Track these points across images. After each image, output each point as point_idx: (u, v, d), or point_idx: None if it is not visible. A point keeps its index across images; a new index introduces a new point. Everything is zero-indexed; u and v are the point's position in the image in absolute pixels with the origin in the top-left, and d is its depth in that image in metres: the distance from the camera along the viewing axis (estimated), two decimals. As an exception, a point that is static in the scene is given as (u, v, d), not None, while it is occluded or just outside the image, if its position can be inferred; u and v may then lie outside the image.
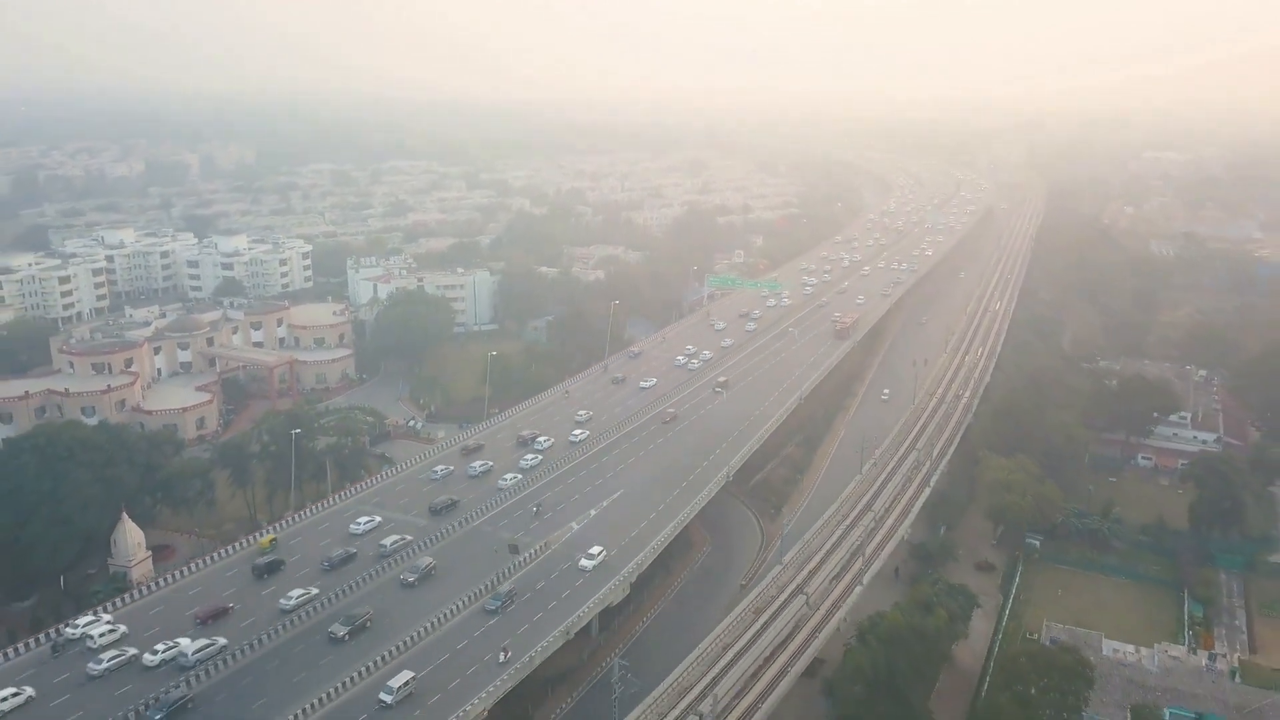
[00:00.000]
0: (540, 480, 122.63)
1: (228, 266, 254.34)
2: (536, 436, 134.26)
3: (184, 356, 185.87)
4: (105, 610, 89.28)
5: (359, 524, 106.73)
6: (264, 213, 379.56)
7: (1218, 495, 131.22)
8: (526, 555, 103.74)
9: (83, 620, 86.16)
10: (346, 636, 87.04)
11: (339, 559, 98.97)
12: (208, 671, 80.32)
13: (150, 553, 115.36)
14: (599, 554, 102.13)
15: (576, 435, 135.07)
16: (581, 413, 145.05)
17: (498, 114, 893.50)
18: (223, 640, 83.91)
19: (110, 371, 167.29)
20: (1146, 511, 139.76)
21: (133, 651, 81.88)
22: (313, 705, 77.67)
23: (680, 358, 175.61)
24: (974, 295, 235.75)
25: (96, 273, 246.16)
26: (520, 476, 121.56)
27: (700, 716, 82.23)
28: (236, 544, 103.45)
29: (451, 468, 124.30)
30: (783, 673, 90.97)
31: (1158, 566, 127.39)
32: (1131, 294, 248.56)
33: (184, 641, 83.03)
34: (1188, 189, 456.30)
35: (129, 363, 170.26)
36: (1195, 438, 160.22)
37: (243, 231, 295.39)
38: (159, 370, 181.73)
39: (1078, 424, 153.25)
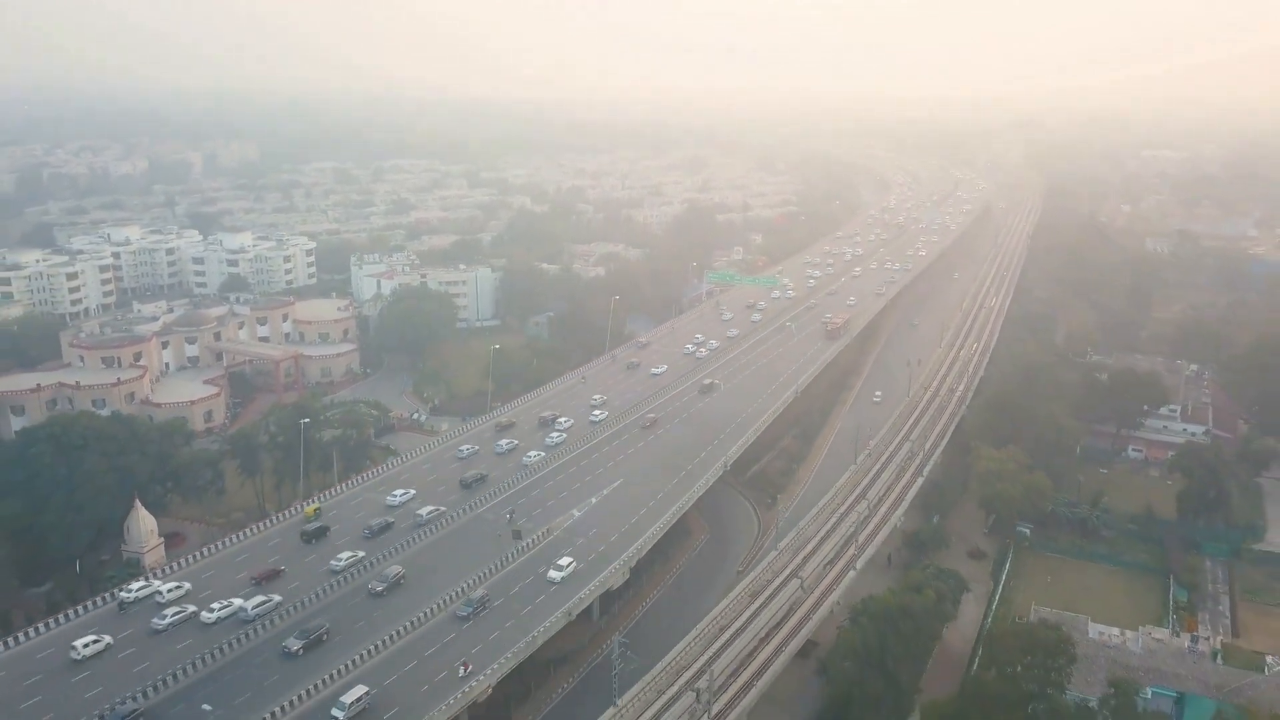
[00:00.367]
0: (562, 458, 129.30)
1: (233, 263, 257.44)
2: (557, 418, 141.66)
3: (191, 351, 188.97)
4: (165, 573, 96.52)
5: (395, 496, 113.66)
6: (267, 210, 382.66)
7: (1204, 485, 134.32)
8: (528, 541, 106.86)
9: (136, 585, 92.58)
10: (301, 650, 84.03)
11: (379, 527, 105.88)
12: (265, 625, 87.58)
13: (162, 539, 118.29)
14: (568, 565, 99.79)
15: (597, 415, 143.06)
16: (596, 397, 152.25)
17: (498, 113, 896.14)
18: (278, 597, 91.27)
19: (119, 365, 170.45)
20: (1136, 501, 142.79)
21: (192, 609, 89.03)
22: None
23: (689, 346, 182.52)
24: (969, 292, 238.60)
25: (103, 269, 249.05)
26: (544, 454, 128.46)
27: (697, 693, 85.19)
28: (279, 514, 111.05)
29: (477, 447, 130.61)
30: (777, 652, 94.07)
31: (1145, 554, 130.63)
32: (1126, 291, 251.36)
33: (237, 601, 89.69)
34: (1185, 187, 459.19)
35: (138, 357, 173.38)
36: (1184, 430, 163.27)
37: (247, 229, 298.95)
38: (167, 364, 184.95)
39: (1069, 416, 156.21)
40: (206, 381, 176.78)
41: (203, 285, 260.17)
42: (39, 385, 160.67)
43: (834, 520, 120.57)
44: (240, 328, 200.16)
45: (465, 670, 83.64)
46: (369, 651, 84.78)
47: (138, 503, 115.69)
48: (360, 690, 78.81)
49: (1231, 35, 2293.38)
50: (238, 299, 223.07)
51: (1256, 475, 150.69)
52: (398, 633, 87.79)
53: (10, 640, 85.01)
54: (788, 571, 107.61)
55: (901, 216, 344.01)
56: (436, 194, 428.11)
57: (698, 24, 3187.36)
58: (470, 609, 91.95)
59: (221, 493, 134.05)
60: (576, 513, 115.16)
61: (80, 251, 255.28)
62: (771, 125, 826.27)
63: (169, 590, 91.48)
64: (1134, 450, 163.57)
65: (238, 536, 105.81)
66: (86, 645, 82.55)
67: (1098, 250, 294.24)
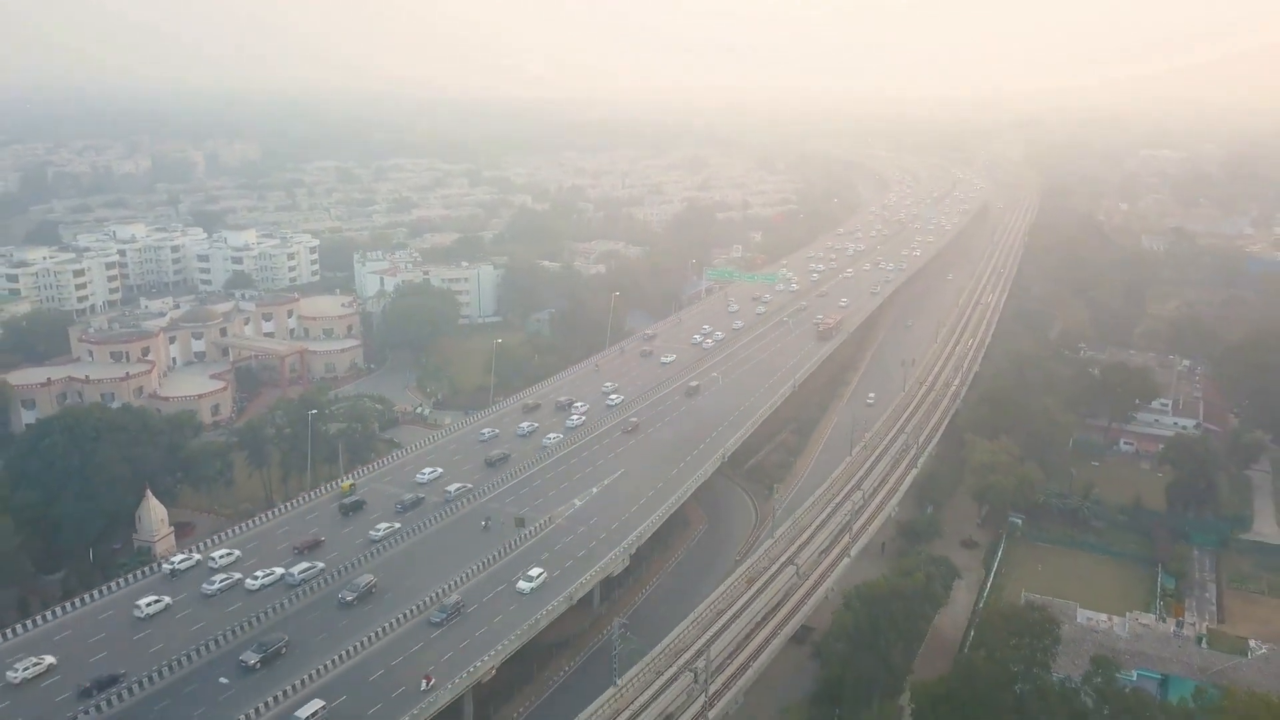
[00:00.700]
0: (580, 439, 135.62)
1: (237, 260, 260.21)
2: (574, 402, 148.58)
3: (198, 346, 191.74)
4: (218, 541, 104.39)
5: (424, 474, 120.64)
6: (270, 209, 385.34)
7: (1193, 476, 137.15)
8: (531, 529, 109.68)
9: (178, 556, 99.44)
10: (259, 664, 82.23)
11: (410, 502, 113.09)
12: (310, 589, 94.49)
13: (173, 529, 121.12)
14: (538, 576, 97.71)
15: (613, 400, 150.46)
16: (608, 384, 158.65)
17: (499, 112, 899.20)
18: (321, 564, 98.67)
19: (128, 360, 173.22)
20: (1127, 493, 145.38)
21: (238, 576, 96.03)
22: None
23: (697, 336, 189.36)
24: (965, 290, 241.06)
25: (109, 266, 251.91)
26: (562, 436, 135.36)
27: (695, 673, 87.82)
28: (315, 491, 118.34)
29: (497, 430, 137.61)
30: (773, 635, 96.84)
31: (1134, 544, 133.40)
32: (1121, 288, 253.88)
33: (278, 570, 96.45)
34: (1183, 186, 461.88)
35: (146, 351, 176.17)
36: (1175, 424, 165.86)
37: (250, 227, 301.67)
38: (174, 359, 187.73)
39: (1061, 410, 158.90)
40: (213, 376, 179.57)
41: (207, 282, 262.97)
42: (49, 379, 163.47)
43: (829, 510, 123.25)
44: (246, 323, 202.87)
45: (427, 684, 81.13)
46: (331, 663, 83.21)
47: (149, 493, 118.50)
48: (316, 705, 77.19)
49: (1231, 35, 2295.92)
50: (243, 295, 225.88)
51: (1245, 468, 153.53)
52: (362, 643, 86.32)
53: (72, 603, 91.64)
54: (784, 559, 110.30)
55: (903, 213, 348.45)
56: (438, 192, 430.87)
57: (698, 23, 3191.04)
58: (444, 615, 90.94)
59: (230, 483, 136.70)
60: (578, 502, 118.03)
61: (86, 249, 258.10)
62: (771, 125, 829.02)
63: (220, 556, 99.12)
64: (1126, 444, 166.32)
65: (277, 511, 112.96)
66: (149, 604, 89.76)
67: (1094, 248, 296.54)
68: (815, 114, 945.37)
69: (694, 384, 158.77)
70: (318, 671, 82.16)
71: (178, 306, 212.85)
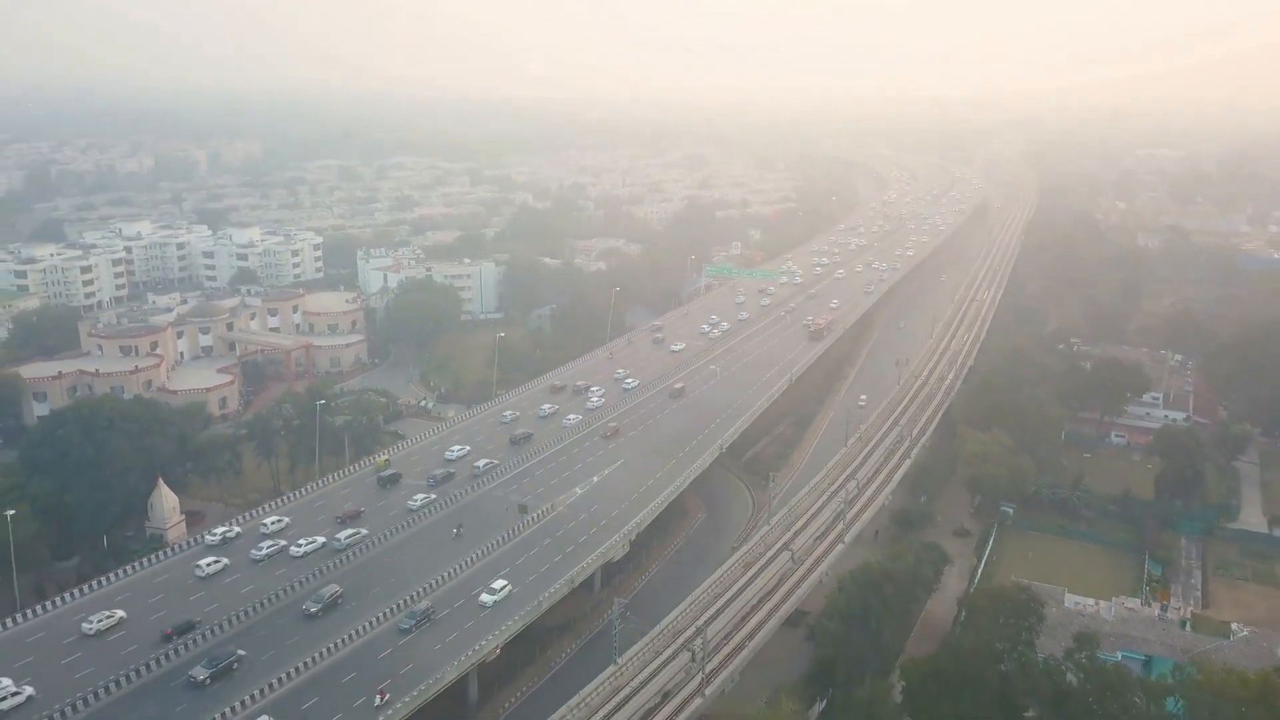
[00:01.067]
0: (597, 421, 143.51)
1: (242, 257, 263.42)
2: (590, 386, 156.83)
3: (205, 341, 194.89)
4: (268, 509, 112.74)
5: (452, 451, 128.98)
6: (273, 207, 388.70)
7: (1180, 466, 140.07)
8: (533, 516, 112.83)
9: (220, 528, 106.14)
10: (208, 680, 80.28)
11: (441, 477, 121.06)
12: (354, 554, 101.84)
13: (184, 517, 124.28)
14: (502, 589, 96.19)
15: (629, 384, 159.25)
16: (620, 370, 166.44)
17: (500, 111, 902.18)
18: (364, 530, 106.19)
19: (137, 354, 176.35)
20: (1117, 484, 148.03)
21: (283, 543, 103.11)
22: None
23: (705, 326, 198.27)
24: (962, 287, 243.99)
25: (116, 263, 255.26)
26: (581, 417, 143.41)
27: (693, 653, 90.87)
28: (351, 467, 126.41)
29: (518, 413, 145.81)
30: (768, 616, 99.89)
31: (1123, 533, 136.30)
32: (1116, 285, 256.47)
33: (319, 539, 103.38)
34: (1180, 185, 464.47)
35: (154, 346, 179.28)
36: (1166, 416, 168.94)
37: (253, 225, 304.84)
38: (182, 353, 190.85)
39: (1054, 403, 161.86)
40: (220, 370, 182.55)
41: (212, 279, 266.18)
42: (60, 372, 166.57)
43: (824, 498, 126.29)
44: (252, 319, 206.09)
45: (381, 699, 79.30)
46: (286, 675, 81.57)
47: (160, 481, 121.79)
48: None
49: (1231, 34, 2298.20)
50: (249, 291, 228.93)
51: (1234, 459, 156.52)
52: (321, 654, 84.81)
53: (131, 567, 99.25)
54: (779, 545, 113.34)
55: (903, 210, 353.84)
56: (440, 191, 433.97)
57: (699, 23, 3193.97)
58: (413, 621, 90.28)
59: (239, 473, 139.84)
60: (579, 490, 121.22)
61: (93, 246, 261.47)
62: (771, 124, 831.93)
63: (272, 522, 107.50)
64: (1117, 436, 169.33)
65: (316, 485, 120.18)
66: (210, 564, 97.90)
67: (1090, 246, 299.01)
68: (815, 113, 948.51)
69: (678, 386, 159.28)
70: (271, 686, 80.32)
71: (185, 302, 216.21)
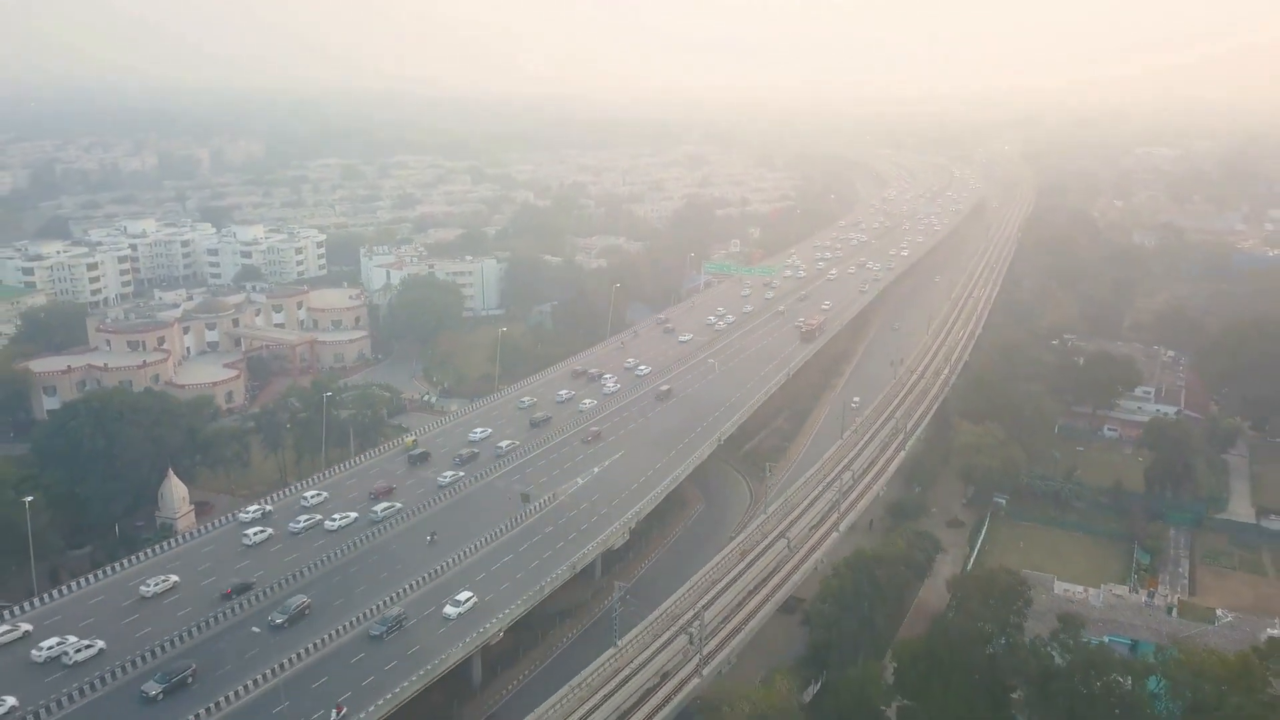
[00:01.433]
0: (611, 406, 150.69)
1: (246, 254, 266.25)
2: (603, 374, 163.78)
3: (211, 336, 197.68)
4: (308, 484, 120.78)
5: (475, 433, 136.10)
6: (276, 205, 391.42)
7: (1170, 458, 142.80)
8: (536, 504, 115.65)
9: (252, 507, 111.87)
10: (160, 695, 78.29)
11: (466, 456, 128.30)
12: (388, 525, 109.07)
13: (193, 507, 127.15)
14: (467, 600, 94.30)
15: (641, 370, 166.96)
16: (630, 359, 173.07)
17: (501, 110, 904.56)
18: (399, 504, 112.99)
19: (144, 349, 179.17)
20: (1109, 476, 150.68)
21: (319, 517, 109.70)
22: None
23: (711, 318, 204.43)
24: (958, 284, 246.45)
25: (121, 260, 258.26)
26: (596, 402, 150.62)
27: (690, 636, 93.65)
28: (380, 448, 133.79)
29: (536, 399, 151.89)
30: (764, 601, 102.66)
31: (1114, 523, 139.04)
32: (1111, 282, 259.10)
33: (352, 514, 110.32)
34: (1178, 184, 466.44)
35: (161, 341, 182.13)
36: (1158, 411, 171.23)
37: (257, 223, 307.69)
38: (188, 349, 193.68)
39: (1047, 396, 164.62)
40: (226, 365, 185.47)
41: (217, 276, 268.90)
42: (69, 367, 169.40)
43: (820, 489, 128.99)
44: (257, 314, 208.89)
45: (338, 715, 77.67)
46: (246, 688, 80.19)
47: (170, 472, 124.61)
48: None
49: (1230, 33, 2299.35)
50: (254, 288, 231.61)
51: (1223, 452, 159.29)
52: (281, 665, 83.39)
53: (180, 538, 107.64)
54: (776, 533, 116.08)
55: (903, 207, 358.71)
56: (441, 189, 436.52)
57: (700, 21, 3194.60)
58: (384, 627, 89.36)
59: (247, 465, 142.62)
60: (580, 480, 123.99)
61: (99, 243, 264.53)
62: (771, 122, 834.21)
63: (312, 496, 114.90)
64: (1109, 430, 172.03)
65: (349, 464, 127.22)
66: (256, 534, 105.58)
67: (1086, 244, 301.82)
68: (814, 112, 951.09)
69: (663, 388, 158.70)
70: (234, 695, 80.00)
71: (191, 298, 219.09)
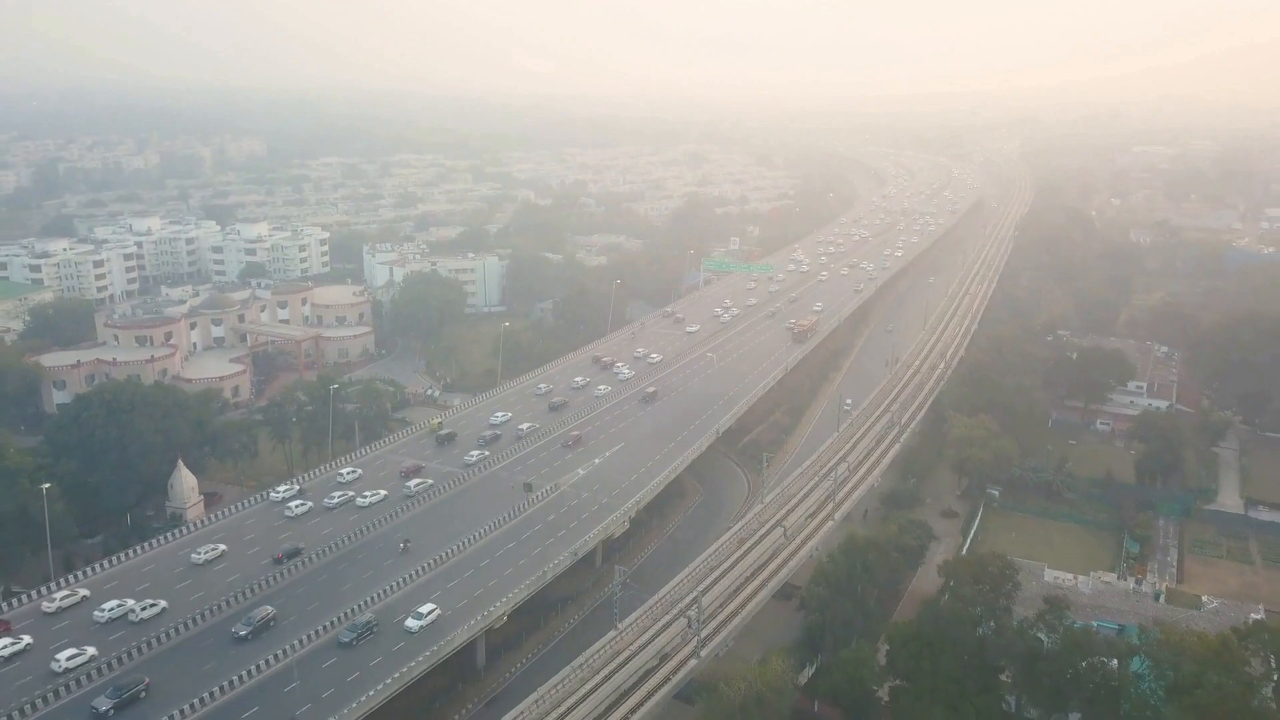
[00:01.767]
0: (627, 390, 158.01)
1: (251, 252, 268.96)
2: (615, 362, 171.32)
3: (217, 332, 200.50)
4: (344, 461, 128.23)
5: (496, 417, 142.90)
6: (278, 203, 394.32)
7: (1159, 450, 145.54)
8: (538, 494, 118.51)
9: (282, 487, 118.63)
10: (111, 711, 76.43)
11: (490, 437, 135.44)
12: (421, 500, 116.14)
13: (202, 497, 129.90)
14: (429, 613, 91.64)
15: (654, 358, 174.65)
16: (640, 349, 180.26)
17: (502, 109, 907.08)
18: (430, 480, 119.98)
19: (152, 344, 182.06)
20: (1100, 469, 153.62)
21: (351, 493, 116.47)
22: None
23: (718, 309, 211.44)
24: (955, 281, 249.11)
25: (127, 257, 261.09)
26: (610, 388, 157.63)
27: (689, 619, 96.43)
28: (408, 429, 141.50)
29: (551, 386, 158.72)
30: (761, 587, 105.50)
31: (1104, 514, 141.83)
32: (1107, 279, 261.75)
33: (383, 491, 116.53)
34: (1175, 182, 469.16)
35: (168, 336, 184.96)
36: (1150, 405, 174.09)
37: (260, 220, 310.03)
38: (195, 344, 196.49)
39: (1039, 390, 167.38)
40: (232, 360, 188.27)
41: (221, 273, 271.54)
42: (79, 361, 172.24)
43: (816, 480, 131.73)
44: (262, 311, 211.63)
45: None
46: (196, 704, 78.21)
47: (180, 463, 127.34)
48: None
49: (1229, 31, 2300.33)
50: (259, 284, 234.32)
51: (1213, 445, 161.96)
52: (240, 677, 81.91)
53: (222, 511, 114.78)
54: (772, 521, 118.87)
55: (904, 203, 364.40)
56: (443, 188, 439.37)
57: (701, 19, 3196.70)
58: (354, 634, 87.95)
59: (255, 456, 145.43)
60: (581, 471, 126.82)
61: (105, 241, 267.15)
62: (770, 121, 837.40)
63: (348, 473, 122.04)
64: (1102, 423, 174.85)
65: (378, 444, 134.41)
66: (298, 506, 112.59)
67: (1083, 241, 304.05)
68: (814, 110, 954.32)
69: (648, 390, 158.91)
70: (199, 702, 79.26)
71: (197, 294, 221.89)
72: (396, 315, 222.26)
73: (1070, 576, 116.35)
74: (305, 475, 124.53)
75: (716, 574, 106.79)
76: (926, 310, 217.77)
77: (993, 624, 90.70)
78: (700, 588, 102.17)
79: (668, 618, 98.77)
